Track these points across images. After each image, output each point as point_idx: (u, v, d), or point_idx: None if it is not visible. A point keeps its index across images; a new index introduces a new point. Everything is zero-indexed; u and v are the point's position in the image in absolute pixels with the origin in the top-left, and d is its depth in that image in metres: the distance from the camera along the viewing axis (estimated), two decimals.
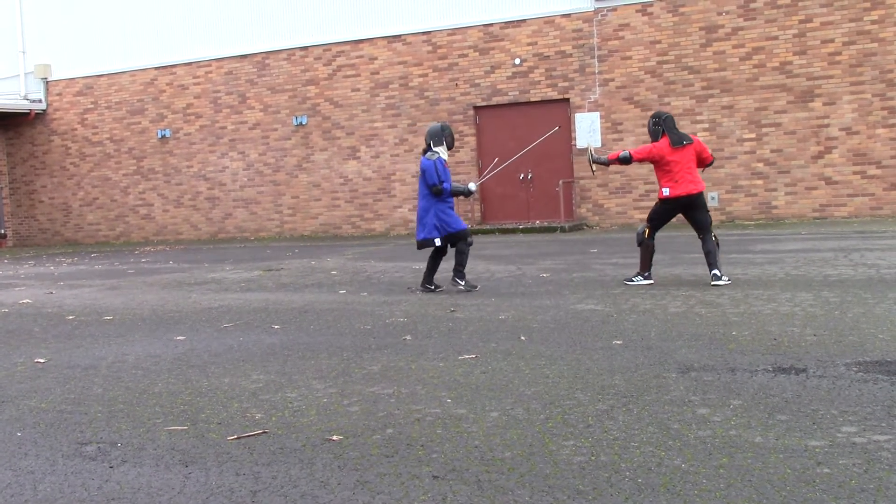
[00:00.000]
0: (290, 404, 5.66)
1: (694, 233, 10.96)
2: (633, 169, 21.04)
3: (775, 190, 19.96)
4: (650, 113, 20.63)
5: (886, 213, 19.02)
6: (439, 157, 11.16)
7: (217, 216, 26.65)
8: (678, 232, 18.73)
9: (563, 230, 20.74)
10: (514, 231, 21.37)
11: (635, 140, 20.93)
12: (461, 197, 11.46)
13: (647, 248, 10.70)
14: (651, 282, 10.69)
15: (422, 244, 11.21)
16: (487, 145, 22.17)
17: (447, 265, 11.69)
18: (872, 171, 19.14)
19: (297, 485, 4.17)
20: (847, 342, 6.65)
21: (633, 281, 10.77)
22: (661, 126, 10.61)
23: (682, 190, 10.41)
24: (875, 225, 17.45)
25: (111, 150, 28.02)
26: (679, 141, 10.46)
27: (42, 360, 7.62)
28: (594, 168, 11.61)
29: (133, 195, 27.90)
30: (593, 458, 4.31)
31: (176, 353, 7.69)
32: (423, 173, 11.13)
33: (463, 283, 11.08)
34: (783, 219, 19.82)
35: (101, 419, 5.53)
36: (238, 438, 4.96)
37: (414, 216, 23.67)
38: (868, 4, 18.97)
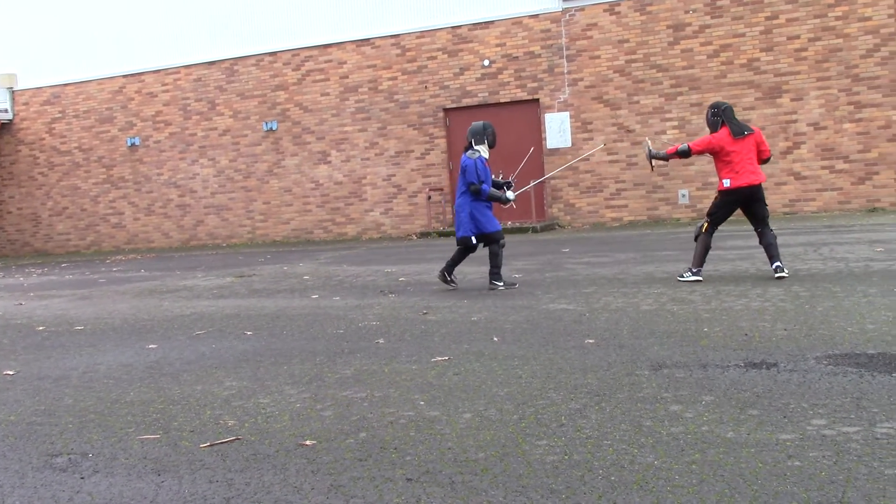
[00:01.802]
0: (263, 410, 5.64)
1: (664, 230, 10.98)
2: (605, 168, 21.13)
3: None
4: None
5: (854, 207, 19.18)
6: (480, 156, 11.07)
7: (188, 223, 26.53)
8: (649, 230, 18.81)
9: (535, 230, 20.78)
10: None
11: (605, 139, 21.01)
12: (500, 203, 11.28)
13: (702, 244, 10.39)
14: (700, 279, 10.33)
15: (461, 241, 11.18)
16: (458, 147, 22.17)
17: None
18: (840, 165, 19.30)
19: (270, 491, 4.15)
20: (817, 336, 6.70)
21: (683, 277, 10.47)
22: (721, 116, 10.35)
23: (743, 181, 10.14)
24: (843, 219, 17.59)
25: (80, 158, 27.83)
26: (740, 131, 10.21)
27: (11, 372, 7.55)
28: (653, 164, 11.42)
29: (103, 204, 27.72)
30: (566, 456, 4.32)
31: (148, 362, 7.65)
32: (464, 171, 11.04)
33: (501, 283, 10.98)
34: None
35: (72, 430, 5.49)
36: (211, 446, 4.94)
37: (385, 219, 23.67)
38: (832, 1, 19.13)
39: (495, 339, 7.57)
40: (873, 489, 3.65)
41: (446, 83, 22.78)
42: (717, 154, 10.27)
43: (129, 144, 26.99)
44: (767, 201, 19.75)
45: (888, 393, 5.02)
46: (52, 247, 28.72)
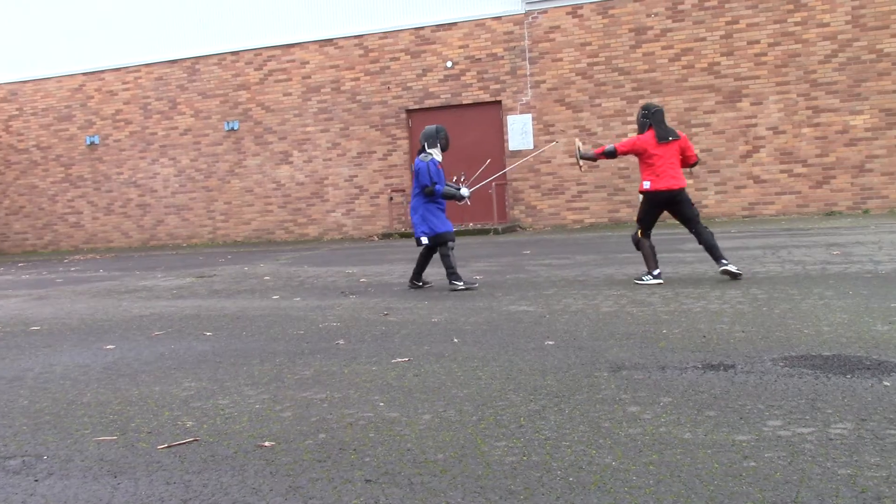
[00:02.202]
0: (222, 411, 5.61)
1: (624, 233, 11.06)
2: (566, 170, 21.22)
3: (705, 189, 20.25)
4: (575, 116, 20.84)
5: (812, 210, 19.40)
6: (433, 159, 11.23)
7: (148, 223, 26.32)
8: (610, 232, 18.92)
9: (496, 232, 20.82)
10: None
11: (567, 141, 21.09)
12: (455, 201, 11.49)
13: (645, 248, 10.55)
14: (660, 281, 10.43)
15: (418, 242, 11.34)
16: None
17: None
18: (799, 169, 19.51)
19: (228, 492, 4.13)
20: (774, 338, 6.77)
21: (643, 280, 10.55)
22: (650, 119, 10.52)
23: (662, 184, 10.32)
24: (801, 222, 17.78)
25: (38, 157, 27.52)
26: (665, 136, 10.39)
27: None
28: (581, 164, 11.54)
29: (61, 203, 27.44)
30: (525, 457, 4.33)
31: (105, 363, 7.57)
32: (417, 174, 11.22)
33: (461, 283, 11.05)
34: (713, 217, 20.10)
35: (27, 432, 5.43)
36: (169, 447, 4.90)
37: (346, 220, 23.63)
38: (791, 7, 19.34)
39: (455, 340, 7.58)
40: (826, 489, 3.69)
41: (409, 84, 22.78)
42: (641, 156, 10.48)
43: (88, 143, 26.73)
44: (727, 204, 20.05)
45: (842, 394, 5.08)
46: (9, 246, 28.38)
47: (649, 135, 10.45)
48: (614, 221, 20.91)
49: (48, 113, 27.28)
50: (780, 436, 4.40)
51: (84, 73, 26.63)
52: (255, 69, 24.48)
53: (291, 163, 24.18)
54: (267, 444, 4.83)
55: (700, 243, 10.45)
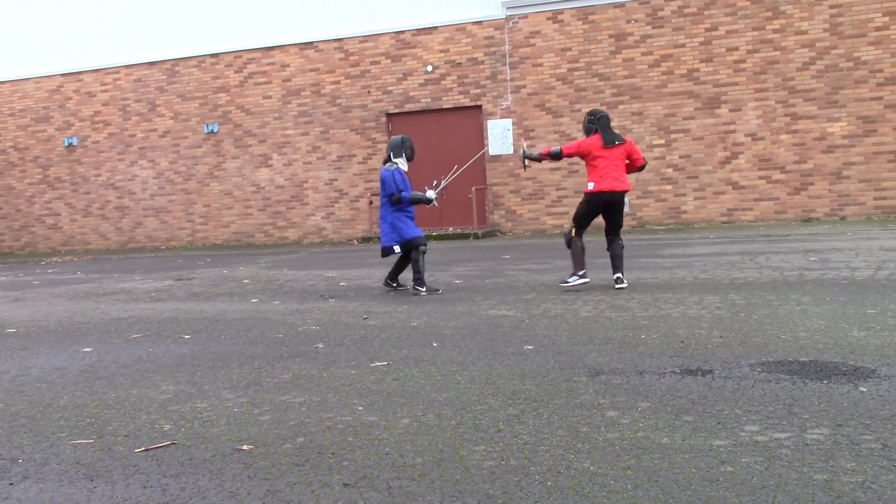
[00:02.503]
0: (200, 415, 5.59)
1: (604, 238, 11.08)
2: (546, 175, 21.26)
3: (684, 195, 20.33)
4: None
5: (790, 216, 19.51)
6: (398, 168, 11.48)
7: (127, 225, 26.20)
8: (590, 238, 18.96)
9: (476, 237, 20.84)
10: (427, 238, 21.38)
11: (547, 146, 21.12)
12: (423, 204, 11.71)
13: (576, 247, 10.76)
14: (587, 280, 10.75)
15: (385, 252, 11.59)
16: None
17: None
18: (777, 175, 19.62)
19: (205, 496, 4.11)
20: (751, 343, 6.80)
21: (568, 282, 10.78)
22: (596, 125, 10.69)
23: (606, 185, 10.49)
24: (779, 228, 17.88)
25: (15, 158, 27.35)
26: (611, 141, 10.56)
27: None
28: (526, 164, 11.72)
29: (39, 205, 27.28)
30: (503, 462, 4.33)
31: (83, 365, 7.53)
32: (383, 183, 11.47)
33: (424, 289, 11.22)
34: (692, 223, 20.19)
35: (2, 435, 5.39)
36: (146, 450, 4.88)
37: (326, 224, 23.60)
38: (770, 14, 19.46)
39: (434, 344, 7.58)
40: (803, 494, 3.71)
41: (389, 88, 22.78)
42: (586, 158, 10.66)
43: (66, 144, 26.59)
44: (706, 209, 20.15)
45: (819, 400, 5.11)
46: None
47: (595, 138, 10.64)
48: (594, 227, 20.91)
49: (26, 114, 27.11)
50: (757, 441, 4.42)
51: (62, 74, 26.49)
52: (235, 72, 24.42)
53: (271, 166, 24.13)
54: (245, 447, 4.82)
55: (607, 249, 10.76)
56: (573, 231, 10.84)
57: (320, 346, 7.85)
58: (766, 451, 4.27)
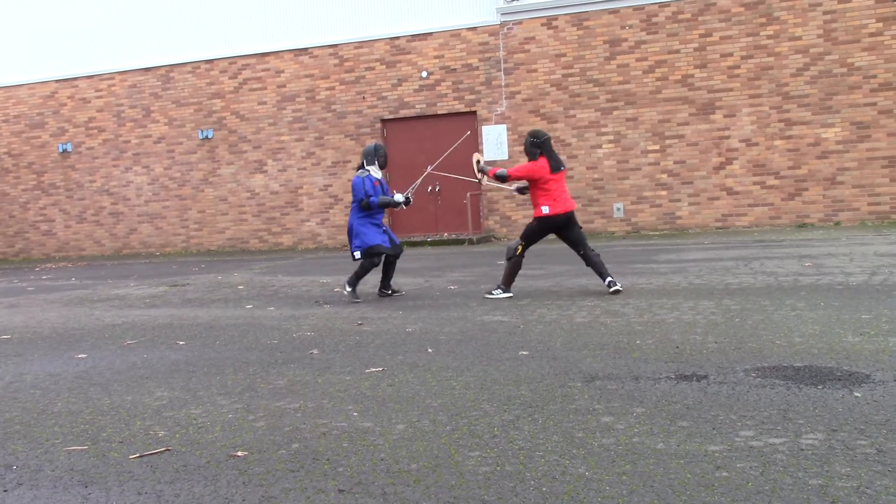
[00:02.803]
0: (195, 421, 5.58)
1: (599, 243, 11.12)
2: None
3: (679, 200, 20.35)
4: (550, 127, 20.93)
5: (784, 222, 19.54)
6: (369, 175, 11.65)
7: (121, 231, 26.17)
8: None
9: (471, 242, 20.84)
10: (422, 244, 21.41)
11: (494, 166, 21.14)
12: (393, 207, 11.87)
13: (515, 265, 10.96)
14: (510, 295, 10.93)
15: (354, 257, 11.64)
16: (395, 158, 22.17)
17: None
18: (771, 181, 19.65)
19: (200, 502, 4.11)
20: (746, 349, 6.81)
21: (492, 294, 10.99)
22: (540, 147, 10.85)
23: (560, 208, 10.75)
24: (774, 234, 17.90)
25: (9, 164, 27.31)
26: (557, 167, 10.82)
27: None
28: (479, 177, 11.83)
29: (33, 211, 27.23)
30: (499, 468, 4.33)
31: (77, 371, 7.52)
32: (353, 190, 11.62)
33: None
34: (687, 229, 20.21)
35: None
36: (140, 457, 4.87)
37: (321, 229, 23.59)
38: (764, 20, 19.50)
39: (429, 350, 7.58)
40: (798, 499, 3.72)
41: (384, 94, 22.79)
42: (536, 182, 10.81)
43: (60, 150, 26.55)
44: (700, 215, 20.18)
45: (814, 405, 5.12)
46: None
47: (543, 162, 10.78)
48: (588, 232, 20.98)
49: (20, 120, 27.08)
50: (752, 446, 4.43)
51: (56, 81, 26.46)
52: (230, 77, 24.41)
53: (266, 172, 24.11)
54: (240, 453, 4.81)
55: (587, 265, 10.85)
56: (519, 249, 10.97)
57: (315, 351, 7.84)
58: (761, 456, 4.27)
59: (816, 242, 15.42)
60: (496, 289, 11.03)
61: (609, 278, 10.61)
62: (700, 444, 4.50)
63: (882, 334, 7.06)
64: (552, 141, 11.09)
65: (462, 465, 4.39)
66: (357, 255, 11.52)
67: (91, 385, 6.91)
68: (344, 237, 23.37)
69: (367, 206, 11.49)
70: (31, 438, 5.40)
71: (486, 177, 11.59)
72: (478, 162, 11.57)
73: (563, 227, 10.88)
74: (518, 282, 12.33)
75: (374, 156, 11.82)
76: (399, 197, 11.79)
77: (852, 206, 19.12)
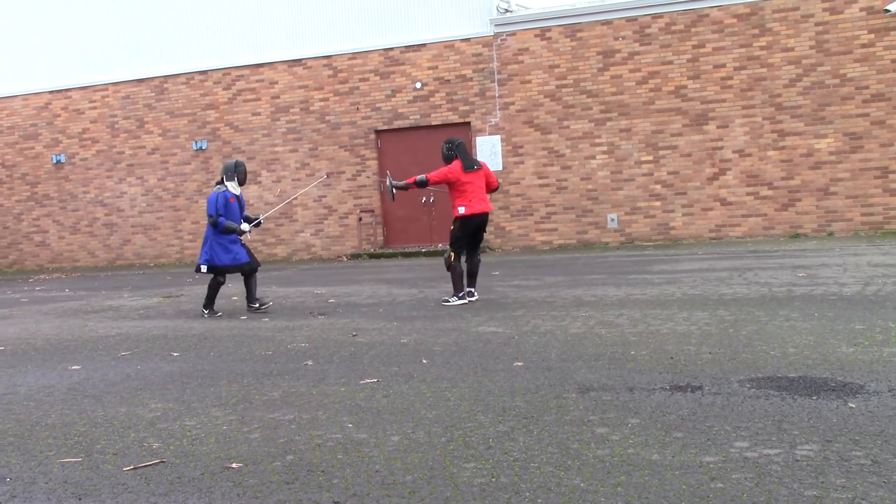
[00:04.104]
0: (189, 433, 5.57)
1: (593, 254, 11.17)
2: (535, 192, 21.29)
3: (673, 211, 20.38)
4: (544, 138, 20.95)
5: (778, 232, 19.57)
6: (225, 192, 12.13)
7: (115, 242, 26.13)
8: (578, 254, 19.00)
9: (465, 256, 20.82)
10: (416, 254, 21.42)
11: (535, 162, 21.20)
12: (240, 236, 12.31)
13: (455, 272, 11.49)
14: (465, 301, 11.44)
15: (197, 269, 12.29)
16: (390, 169, 22.15)
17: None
18: (764, 192, 19.69)
19: None
20: (740, 359, 6.82)
21: (449, 301, 11.49)
22: (455, 151, 11.56)
23: (476, 208, 11.36)
24: (767, 244, 17.93)
25: (3, 175, 27.27)
26: (470, 166, 11.42)
27: None
28: (394, 193, 12.22)
29: (27, 222, 27.19)
30: (494, 479, 4.33)
31: (71, 383, 7.51)
32: (207, 204, 12.14)
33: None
34: (681, 239, 20.24)
35: None
36: (134, 469, 4.86)
37: (315, 240, 23.59)
38: (756, 31, 19.56)
39: (424, 361, 7.58)
40: None
41: (378, 105, 22.81)
42: (453, 185, 11.45)
43: (54, 162, 26.53)
44: (694, 226, 20.21)
45: (808, 416, 5.12)
46: None
47: (457, 164, 11.43)
48: (583, 243, 21.00)
49: (13, 131, 27.06)
50: (746, 457, 4.43)
51: (50, 92, 26.45)
52: (224, 88, 24.42)
53: (260, 182, 24.11)
54: (234, 465, 4.80)
55: (465, 262, 11.64)
56: (452, 256, 11.48)
57: (310, 363, 7.84)
58: (755, 467, 4.28)
59: (810, 253, 15.45)
60: (451, 297, 11.55)
61: (472, 289, 11.58)
62: (695, 455, 4.50)
63: (876, 345, 7.07)
64: (466, 146, 11.97)
65: (457, 477, 4.39)
66: (203, 268, 12.06)
67: (85, 397, 6.89)
68: (339, 248, 23.38)
69: (213, 224, 11.94)
70: (24, 450, 5.38)
71: (394, 192, 12.06)
72: (389, 180, 12.07)
73: (480, 226, 11.53)
74: (511, 292, 12.34)
75: (234, 172, 12.23)
76: (245, 227, 12.21)
77: (845, 216, 19.17)
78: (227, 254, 11.99)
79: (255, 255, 12.77)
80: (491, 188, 11.75)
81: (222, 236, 11.99)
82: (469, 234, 11.54)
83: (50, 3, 26.25)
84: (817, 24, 19.15)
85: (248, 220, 12.38)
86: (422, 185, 11.68)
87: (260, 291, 14.84)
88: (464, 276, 11.57)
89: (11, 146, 27.08)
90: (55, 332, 11.20)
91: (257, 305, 12.09)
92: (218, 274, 12.04)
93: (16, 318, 13.20)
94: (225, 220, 11.91)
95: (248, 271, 12.15)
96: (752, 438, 4.74)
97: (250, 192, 24.10)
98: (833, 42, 19.06)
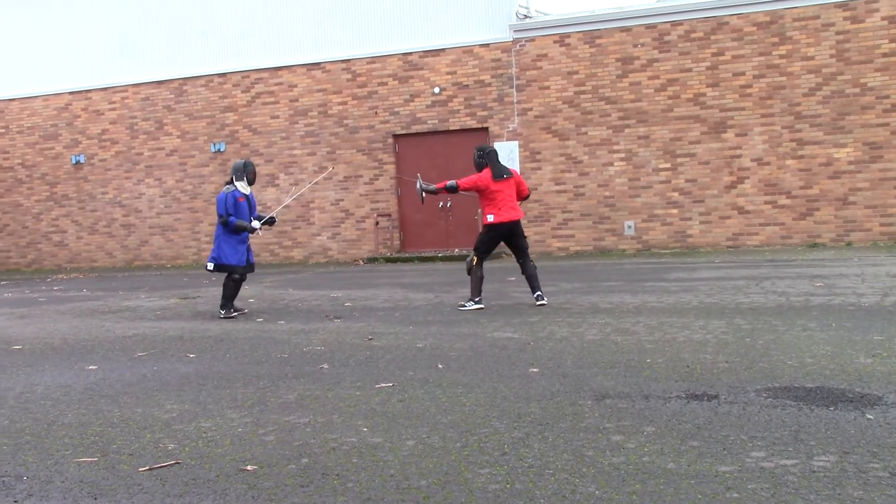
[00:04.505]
0: (205, 434, 5.58)
1: (609, 261, 11.14)
2: (552, 198, 21.27)
3: (690, 219, 20.33)
4: (562, 144, 20.93)
5: (796, 241, 19.49)
6: (234, 191, 12.20)
7: (133, 243, 26.24)
8: (595, 260, 18.98)
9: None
10: (433, 259, 21.43)
11: (553, 169, 21.19)
12: (249, 233, 12.35)
13: (475, 276, 11.53)
14: (482, 306, 11.46)
15: (207, 269, 12.31)
16: (407, 173, 22.20)
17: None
18: (783, 200, 19.62)
19: None
20: (757, 369, 6.78)
21: (465, 306, 11.53)
22: (486, 159, 11.67)
23: (505, 217, 11.46)
24: (785, 253, 17.86)
25: (23, 175, 27.43)
26: (500, 175, 11.52)
27: None
28: (423, 196, 12.38)
29: (46, 222, 27.34)
30: (508, 485, 4.32)
31: (87, 383, 7.54)
32: (217, 204, 12.20)
33: (223, 312, 12.01)
34: (698, 247, 20.18)
35: (7, 452, 5.39)
36: (150, 469, 4.88)
37: (332, 244, 23.63)
38: (776, 39, 19.50)
39: (440, 366, 7.57)
40: None
41: (396, 109, 22.84)
42: (483, 192, 11.57)
43: (73, 162, 26.67)
44: (711, 234, 20.15)
45: (826, 426, 5.09)
46: None
47: (487, 173, 11.54)
48: (599, 250, 20.97)
49: (34, 131, 27.21)
50: (763, 467, 4.41)
51: (71, 93, 26.60)
52: (243, 91, 24.50)
53: (278, 185, 24.17)
54: (249, 467, 4.81)
55: (523, 273, 11.69)
56: (475, 260, 11.56)
57: (325, 366, 7.85)
58: (772, 477, 4.25)
59: (828, 262, 15.38)
60: (468, 301, 11.59)
61: (538, 293, 11.47)
62: (710, 465, 4.48)
63: (894, 356, 7.03)
64: (498, 154, 12.04)
65: (472, 483, 4.38)
66: (210, 266, 12.12)
67: (101, 397, 6.92)
68: (355, 251, 23.42)
69: (224, 224, 12.01)
70: (41, 449, 5.41)
71: (423, 194, 12.15)
72: (420, 183, 12.15)
73: (510, 235, 11.63)
74: (528, 298, 12.32)
75: (244, 171, 12.29)
76: (256, 224, 12.27)
77: (864, 226, 19.08)
78: (234, 254, 12.09)
79: (269, 260, 12.79)
80: (522, 196, 11.86)
81: (232, 236, 12.09)
82: (495, 242, 11.68)
83: (72, 4, 26.41)
84: (838, 33, 19.08)
85: (259, 219, 12.46)
86: (452, 190, 11.79)
87: (275, 294, 14.87)
88: (483, 281, 11.62)
89: (32, 146, 27.24)
90: (72, 331, 11.25)
91: (223, 313, 12.03)
92: (228, 273, 12.09)
93: (34, 317, 13.26)
94: (235, 219, 12.00)
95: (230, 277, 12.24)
96: (768, 448, 4.71)
97: (267, 195, 24.16)
98: (854, 51, 18.98)
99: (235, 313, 12.03)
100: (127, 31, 25.70)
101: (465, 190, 11.73)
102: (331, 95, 23.51)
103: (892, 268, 13.87)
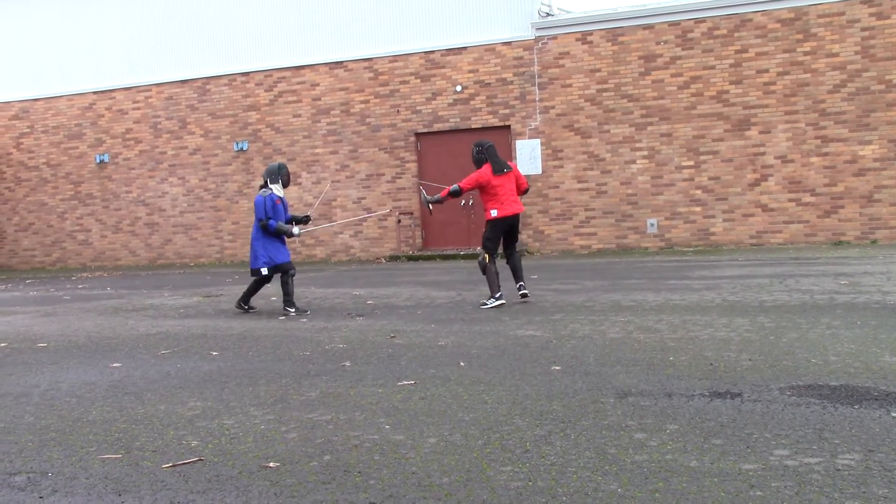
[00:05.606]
0: (227, 431, 5.61)
1: (632, 259, 11.11)
2: (574, 196, 21.23)
3: (713, 217, 20.24)
4: (584, 142, 20.88)
5: (820, 239, 19.37)
6: (271, 194, 12.31)
7: (156, 242, 26.37)
8: (617, 258, 18.92)
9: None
10: (455, 257, 21.43)
11: (575, 167, 21.14)
12: (286, 237, 12.48)
13: (490, 273, 11.61)
14: (503, 301, 11.52)
15: (253, 273, 12.41)
16: (429, 171, 22.23)
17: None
18: (807, 198, 19.50)
19: None
20: (781, 367, 6.75)
21: (487, 304, 11.57)
22: (484, 154, 11.70)
23: (508, 210, 11.56)
24: (809, 251, 17.76)
25: (48, 174, 27.63)
26: (500, 169, 11.58)
27: None
28: (431, 208, 12.57)
29: (70, 221, 27.52)
30: (530, 483, 4.31)
31: (111, 380, 7.58)
32: (255, 208, 12.27)
33: (293, 310, 11.98)
34: (721, 245, 20.09)
35: (32, 448, 5.43)
36: (173, 466, 4.90)
37: (354, 242, 23.66)
38: (801, 36, 19.38)
39: (462, 364, 7.57)
40: None
41: (418, 107, 22.85)
42: (484, 188, 11.63)
43: (97, 161, 26.83)
44: (735, 231, 20.06)
45: (850, 424, 5.06)
46: (17, 262, 28.45)
47: (486, 168, 11.59)
48: (622, 248, 20.91)
49: (59, 131, 27.40)
50: (787, 465, 4.39)
51: (95, 92, 26.76)
52: (266, 90, 24.58)
53: (300, 184, 24.23)
54: (272, 464, 4.83)
55: (507, 264, 12.02)
56: (486, 258, 11.64)
57: (347, 364, 7.86)
58: (796, 475, 4.23)
59: (853, 260, 15.28)
60: (489, 299, 11.62)
61: (521, 283, 11.76)
62: (734, 463, 4.46)
63: None
64: (496, 148, 12.10)
65: (493, 480, 4.38)
66: (265, 271, 12.21)
67: (125, 394, 6.96)
68: (377, 249, 23.44)
69: (264, 227, 12.12)
70: (66, 446, 5.44)
71: (430, 205, 12.33)
72: (424, 195, 12.44)
73: (512, 227, 11.75)
74: (550, 296, 12.30)
75: (278, 174, 12.43)
76: (295, 230, 12.39)
77: (889, 224, 18.94)
78: (280, 252, 12.25)
79: (291, 259, 12.83)
80: (521, 190, 11.85)
81: (271, 236, 12.22)
82: (501, 236, 11.77)
83: (96, 4, 26.56)
84: (863, 30, 18.94)
85: (295, 220, 12.59)
86: (456, 194, 11.86)
87: (297, 292, 14.91)
88: (499, 276, 11.67)
89: (56, 146, 27.43)
90: (97, 329, 11.31)
91: (293, 311, 12.03)
92: (282, 272, 12.16)
93: (59, 315, 13.35)
94: (276, 223, 12.12)
95: (267, 277, 12.43)
96: (792, 447, 4.69)
97: (290, 194, 24.22)
98: (879, 47, 18.84)
99: (301, 312, 11.96)
100: (150, 31, 25.83)
101: (469, 190, 11.82)
102: (353, 94, 23.54)
103: None
